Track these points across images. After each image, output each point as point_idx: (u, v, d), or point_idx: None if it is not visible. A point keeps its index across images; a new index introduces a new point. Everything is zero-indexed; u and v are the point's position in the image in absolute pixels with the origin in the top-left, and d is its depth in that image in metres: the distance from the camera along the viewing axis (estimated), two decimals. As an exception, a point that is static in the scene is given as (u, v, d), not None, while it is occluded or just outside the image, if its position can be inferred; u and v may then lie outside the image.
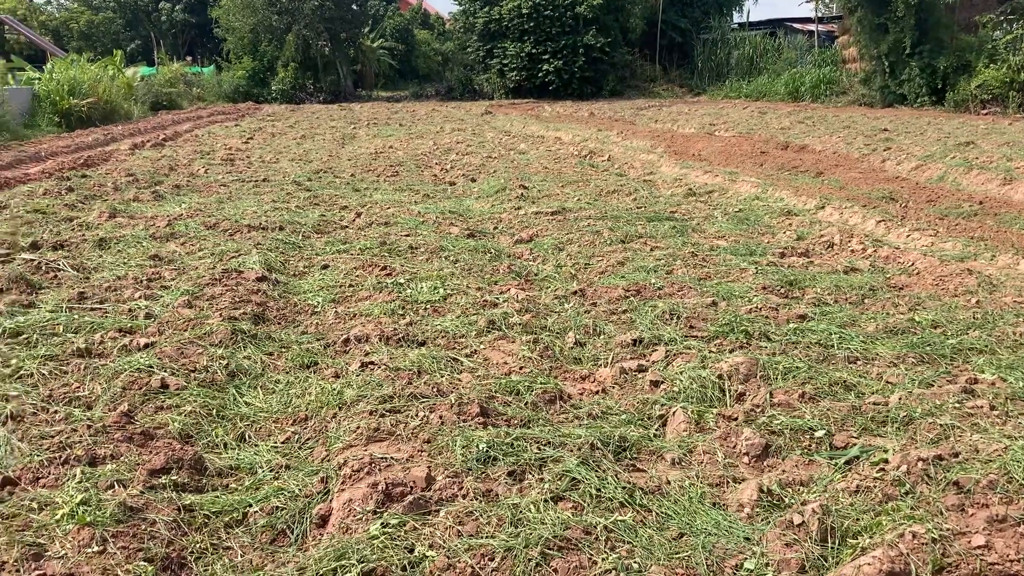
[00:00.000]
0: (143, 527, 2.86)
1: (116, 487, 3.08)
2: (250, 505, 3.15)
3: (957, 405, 3.75)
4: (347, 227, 8.21)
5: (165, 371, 4.20)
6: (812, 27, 37.02)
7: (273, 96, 36.61)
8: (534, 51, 35.32)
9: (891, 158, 12.76)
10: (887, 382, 4.14)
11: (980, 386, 4.00)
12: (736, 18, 42.89)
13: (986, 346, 4.55)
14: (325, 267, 6.64)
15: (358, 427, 3.61)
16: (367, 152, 15.07)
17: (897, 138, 14.86)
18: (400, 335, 4.84)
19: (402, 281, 6.01)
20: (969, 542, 2.70)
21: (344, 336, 4.89)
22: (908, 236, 7.40)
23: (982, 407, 3.72)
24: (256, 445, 3.68)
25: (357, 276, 6.25)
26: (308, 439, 3.73)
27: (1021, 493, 2.95)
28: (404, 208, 9.04)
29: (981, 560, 2.61)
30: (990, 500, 2.92)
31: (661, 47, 39.12)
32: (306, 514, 3.08)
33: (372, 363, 4.37)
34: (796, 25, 40.44)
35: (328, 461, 3.43)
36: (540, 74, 35.36)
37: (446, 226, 8.07)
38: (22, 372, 4.21)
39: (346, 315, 5.39)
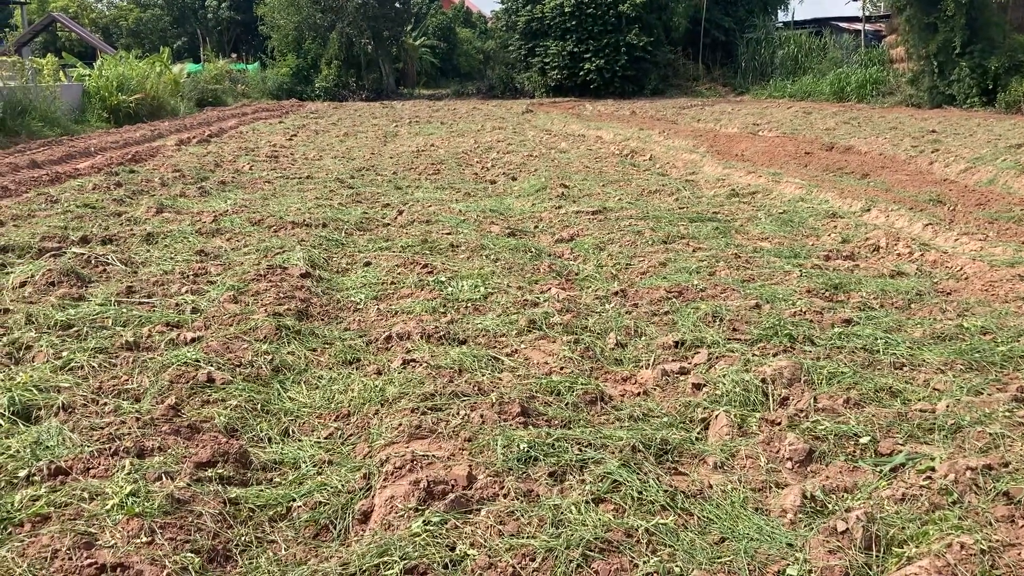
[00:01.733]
0: (190, 519, 2.91)
1: (164, 479, 3.14)
2: (294, 499, 3.19)
3: (1007, 414, 3.67)
4: (389, 225, 8.27)
5: (211, 365, 4.27)
6: (859, 26, 36.44)
7: (316, 93, 37.03)
8: (576, 50, 35.21)
9: (939, 160, 12.52)
10: (934, 389, 4.07)
11: (1031, 395, 3.92)
12: (781, 17, 42.53)
13: (1038, 354, 4.45)
14: (367, 264, 6.70)
15: (400, 424, 3.64)
16: (409, 150, 15.16)
17: (946, 140, 14.57)
18: (441, 333, 4.87)
19: (443, 279, 6.04)
20: (1019, 554, 2.65)
21: (386, 333, 4.92)
22: (956, 240, 7.25)
23: (1033, 416, 3.64)
24: (300, 440, 3.73)
25: (399, 274, 6.30)
26: (351, 435, 3.77)
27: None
28: (445, 206, 9.08)
29: (1032, 573, 2.56)
30: (1041, 512, 2.87)
31: (704, 46, 38.80)
32: (349, 510, 3.12)
33: (414, 361, 4.40)
34: (842, 24, 39.84)
35: (370, 457, 3.46)
36: (581, 73, 35.25)
37: (487, 225, 8.09)
38: (72, 364, 4.30)
39: (388, 312, 5.43)
